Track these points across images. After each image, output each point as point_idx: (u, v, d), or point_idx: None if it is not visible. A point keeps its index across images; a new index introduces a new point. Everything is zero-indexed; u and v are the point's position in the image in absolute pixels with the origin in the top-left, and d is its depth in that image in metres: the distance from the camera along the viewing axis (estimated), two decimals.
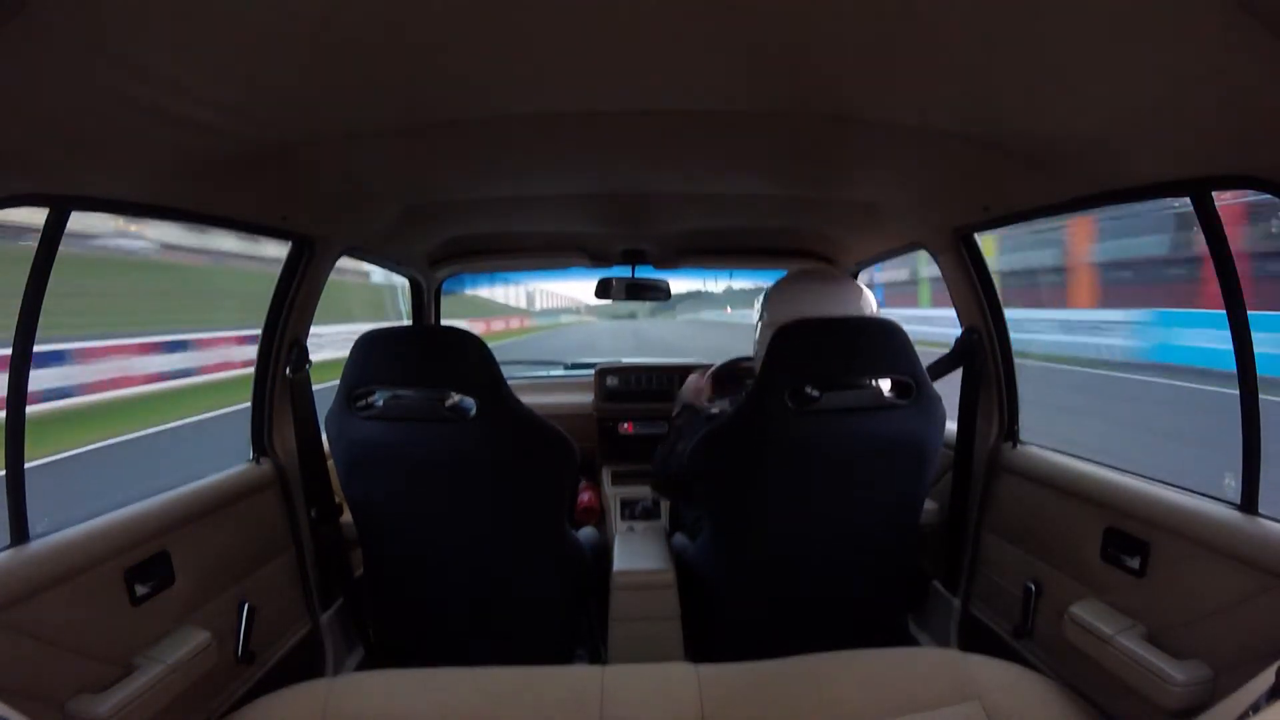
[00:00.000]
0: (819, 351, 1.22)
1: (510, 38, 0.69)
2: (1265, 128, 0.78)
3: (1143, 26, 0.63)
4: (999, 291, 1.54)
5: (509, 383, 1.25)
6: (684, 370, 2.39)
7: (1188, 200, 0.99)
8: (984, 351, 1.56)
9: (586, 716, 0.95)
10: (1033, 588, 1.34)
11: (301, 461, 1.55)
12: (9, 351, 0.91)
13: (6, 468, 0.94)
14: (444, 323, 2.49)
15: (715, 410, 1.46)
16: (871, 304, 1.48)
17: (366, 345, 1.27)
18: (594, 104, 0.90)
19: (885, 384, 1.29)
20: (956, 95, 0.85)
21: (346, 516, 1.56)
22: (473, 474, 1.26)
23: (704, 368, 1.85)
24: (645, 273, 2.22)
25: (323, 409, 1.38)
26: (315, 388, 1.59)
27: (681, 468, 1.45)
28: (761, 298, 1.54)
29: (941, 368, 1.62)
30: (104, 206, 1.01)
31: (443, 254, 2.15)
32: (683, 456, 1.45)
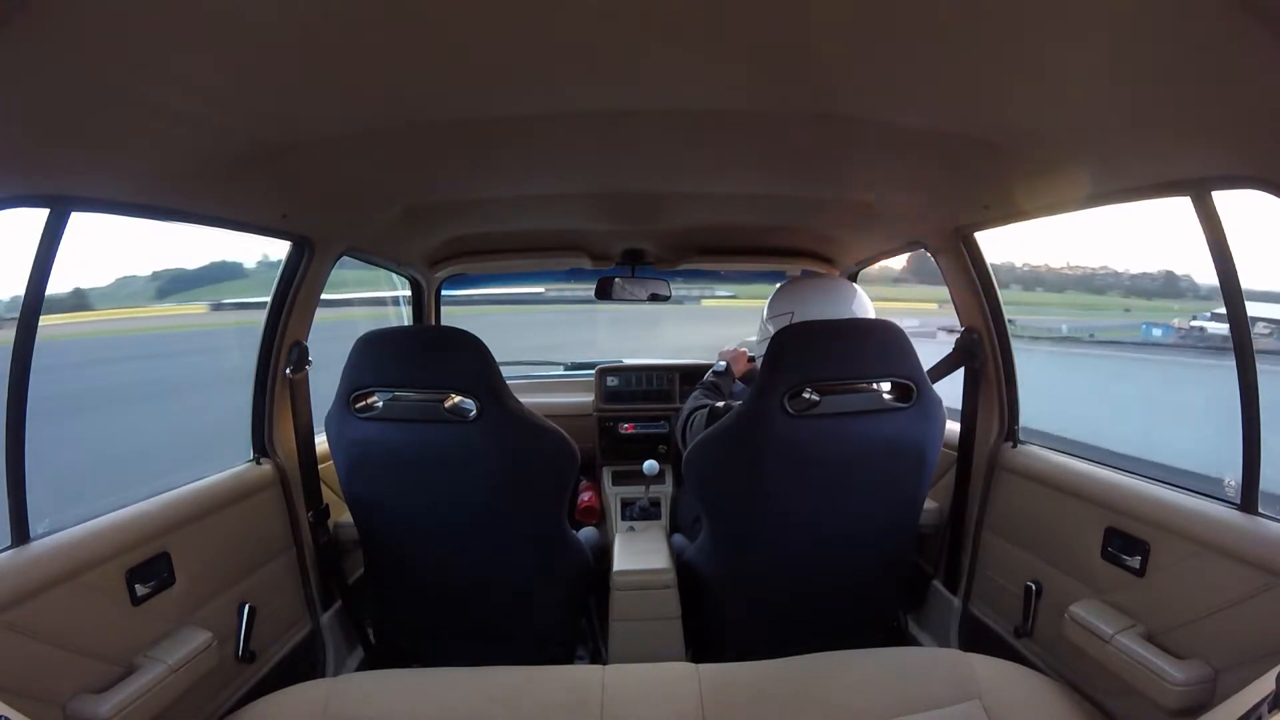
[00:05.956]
0: (817, 354, 1.22)
1: (510, 38, 0.69)
2: (1265, 128, 0.78)
3: (1143, 27, 0.63)
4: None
5: (509, 383, 1.25)
6: (685, 370, 2.39)
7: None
8: (984, 352, 1.56)
9: (587, 716, 0.95)
10: (1033, 587, 1.34)
11: (301, 462, 1.55)
12: None
13: (6, 468, 0.94)
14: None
15: (721, 405, 1.46)
16: (867, 305, 1.48)
17: (366, 346, 1.27)
18: (594, 104, 0.90)
19: (885, 386, 1.28)
20: (957, 95, 0.85)
21: (346, 517, 1.56)
22: (473, 475, 1.26)
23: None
24: (645, 273, 2.22)
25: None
26: None
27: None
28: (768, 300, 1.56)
29: (942, 369, 1.62)
30: (104, 207, 1.01)
31: (443, 254, 2.15)
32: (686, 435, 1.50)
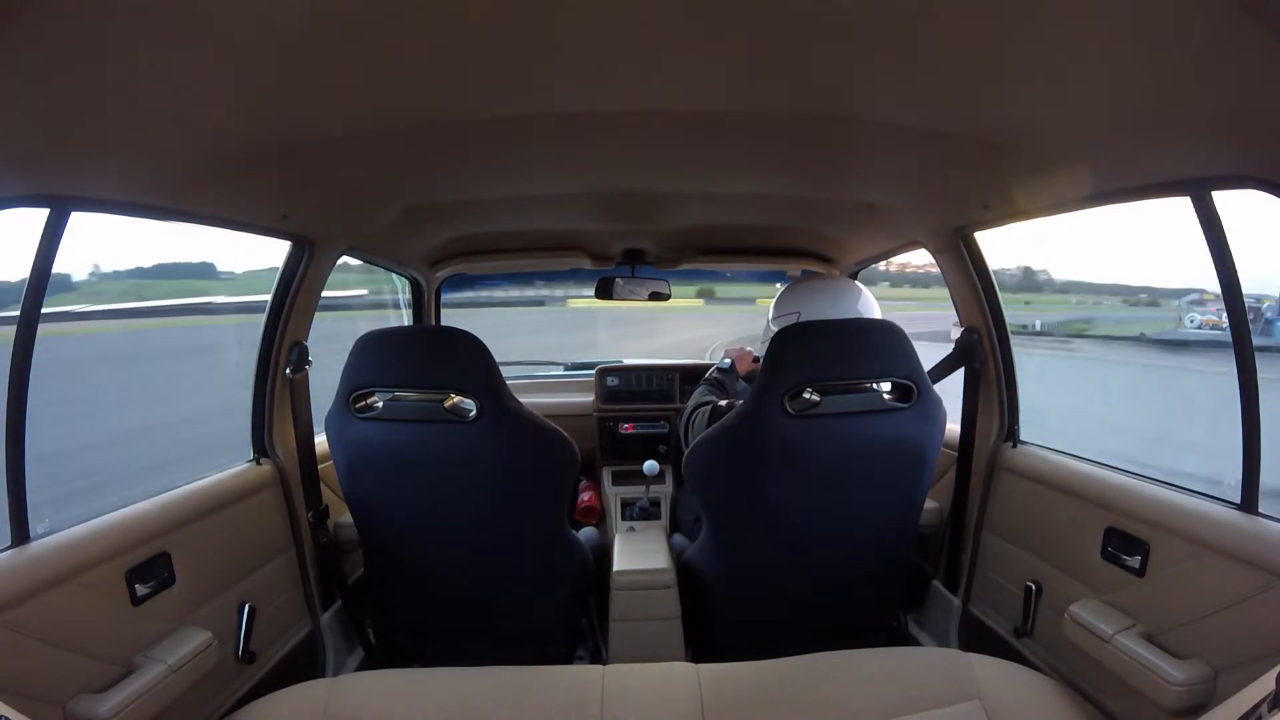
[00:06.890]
0: (817, 355, 1.22)
1: (510, 38, 0.69)
2: (1265, 128, 0.78)
3: (1142, 27, 0.63)
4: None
5: (509, 383, 1.25)
6: (685, 370, 2.40)
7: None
8: (984, 352, 1.56)
9: (587, 716, 0.95)
10: (1033, 587, 1.34)
11: (301, 462, 1.55)
12: None
13: (6, 468, 0.94)
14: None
15: (725, 404, 1.46)
16: (872, 304, 1.48)
17: (366, 346, 1.27)
18: (594, 104, 0.90)
19: (886, 386, 1.28)
20: (957, 95, 0.85)
21: (346, 517, 1.56)
22: (473, 475, 1.26)
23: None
24: (646, 273, 2.22)
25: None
26: None
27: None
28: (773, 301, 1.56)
29: (943, 370, 1.62)
30: (104, 207, 1.01)
31: (443, 254, 2.15)
32: (688, 434, 1.49)
